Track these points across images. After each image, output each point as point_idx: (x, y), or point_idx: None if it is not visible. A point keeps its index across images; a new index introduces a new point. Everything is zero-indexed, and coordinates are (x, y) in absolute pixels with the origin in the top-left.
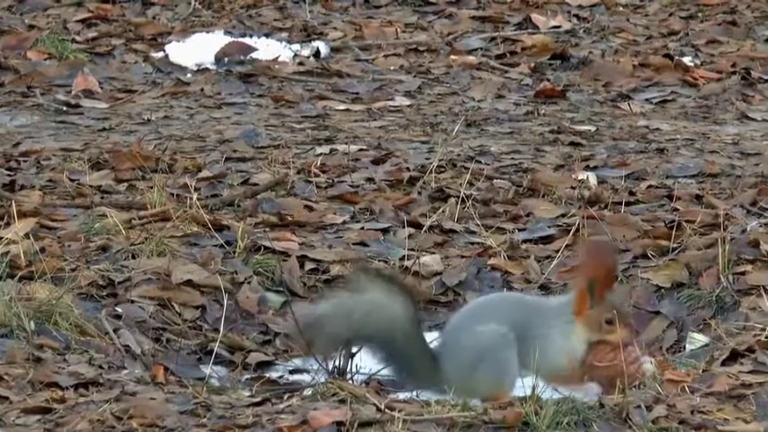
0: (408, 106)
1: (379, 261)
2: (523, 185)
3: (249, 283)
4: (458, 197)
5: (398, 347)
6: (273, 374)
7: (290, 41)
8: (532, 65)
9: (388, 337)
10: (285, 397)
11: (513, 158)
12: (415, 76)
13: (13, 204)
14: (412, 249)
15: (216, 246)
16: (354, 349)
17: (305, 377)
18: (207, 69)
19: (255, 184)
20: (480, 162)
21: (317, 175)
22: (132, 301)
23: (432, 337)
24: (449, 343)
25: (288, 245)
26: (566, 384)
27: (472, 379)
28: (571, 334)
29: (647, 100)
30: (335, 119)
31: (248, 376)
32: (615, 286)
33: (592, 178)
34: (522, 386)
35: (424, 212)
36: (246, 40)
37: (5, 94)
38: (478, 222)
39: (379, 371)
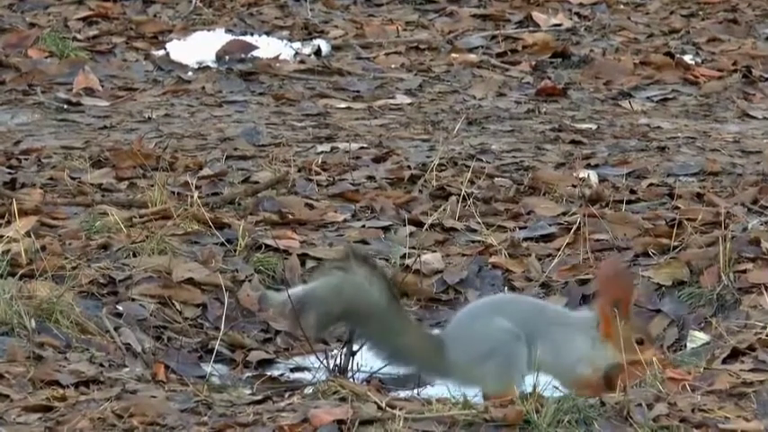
0: (409, 104)
1: (380, 259)
2: (524, 184)
3: (250, 281)
4: (459, 195)
5: (383, 328)
6: (274, 372)
7: (291, 40)
8: (533, 63)
9: (373, 317)
10: (286, 395)
11: (514, 157)
12: (415, 75)
13: (14, 202)
14: (413, 248)
15: (217, 244)
16: (355, 347)
17: (306, 375)
18: (208, 67)
19: (256, 183)
20: (481, 160)
21: (317, 174)
22: (133, 300)
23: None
24: (459, 329)
25: (289, 243)
26: (583, 391)
27: (481, 369)
28: (600, 350)
29: (648, 98)
30: (336, 117)
31: (249, 374)
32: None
33: (593, 176)
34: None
35: (425, 211)
36: (247, 39)
37: (6, 92)
38: (479, 220)
39: (380, 369)
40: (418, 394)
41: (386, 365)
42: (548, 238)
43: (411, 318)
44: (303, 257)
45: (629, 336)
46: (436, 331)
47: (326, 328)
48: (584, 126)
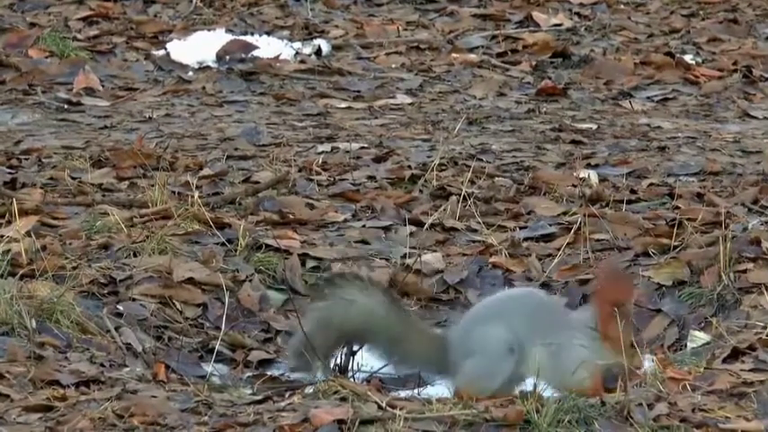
0: (410, 104)
1: (380, 259)
2: (525, 183)
3: (250, 281)
4: (459, 195)
5: (387, 337)
6: (275, 372)
7: (291, 39)
8: (534, 63)
9: (374, 328)
10: (286, 395)
11: (514, 156)
12: (416, 74)
13: (15, 202)
14: (413, 247)
15: (217, 244)
16: (355, 347)
17: (306, 375)
18: (208, 67)
19: (257, 183)
20: (481, 160)
21: (318, 174)
22: (133, 299)
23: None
24: (462, 331)
25: (289, 243)
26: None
27: (463, 363)
28: (598, 349)
29: (648, 98)
30: (337, 117)
31: (249, 374)
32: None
33: (593, 176)
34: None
35: (426, 210)
36: (248, 39)
37: (7, 92)
38: (480, 220)
39: (381, 368)
40: (418, 394)
41: (387, 366)
42: (548, 237)
43: (415, 320)
44: (304, 257)
45: (628, 337)
46: (441, 330)
47: (332, 352)
48: (584, 126)
